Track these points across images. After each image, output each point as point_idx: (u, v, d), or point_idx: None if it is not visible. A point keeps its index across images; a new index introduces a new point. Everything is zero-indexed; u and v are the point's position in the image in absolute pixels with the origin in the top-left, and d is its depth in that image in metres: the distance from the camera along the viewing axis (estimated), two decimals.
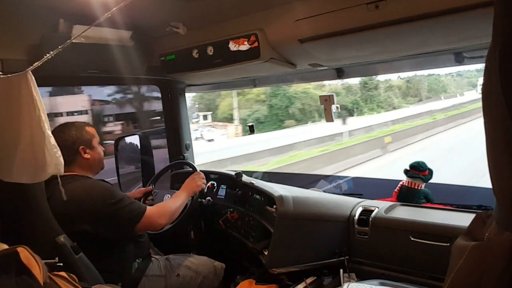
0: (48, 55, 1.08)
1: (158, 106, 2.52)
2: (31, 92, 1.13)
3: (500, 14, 0.40)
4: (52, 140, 1.17)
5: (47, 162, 1.17)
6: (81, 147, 1.53)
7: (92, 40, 1.60)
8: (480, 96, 0.44)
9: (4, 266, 0.64)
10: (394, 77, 22.56)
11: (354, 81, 20.58)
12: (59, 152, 1.19)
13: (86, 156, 1.54)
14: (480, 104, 0.44)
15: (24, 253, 0.68)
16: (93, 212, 1.41)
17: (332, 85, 17.86)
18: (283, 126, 17.96)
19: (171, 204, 1.64)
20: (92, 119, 8.72)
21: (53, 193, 1.41)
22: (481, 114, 0.45)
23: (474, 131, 10.39)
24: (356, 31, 1.29)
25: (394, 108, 21.70)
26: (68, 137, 1.52)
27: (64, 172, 1.49)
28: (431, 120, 15.70)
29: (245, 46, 1.55)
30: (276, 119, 18.26)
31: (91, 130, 1.60)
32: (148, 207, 1.53)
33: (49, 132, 1.16)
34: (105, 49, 1.66)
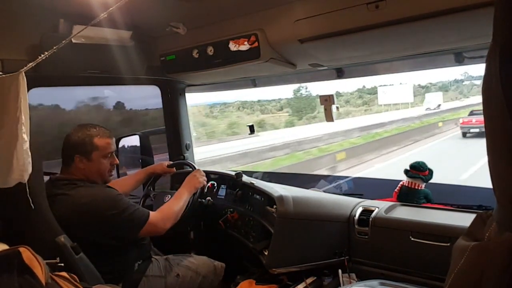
0: (42, 55, 1.07)
1: None
2: (18, 93, 1.11)
3: (500, 14, 0.40)
4: (26, 145, 1.12)
5: (13, 167, 1.12)
6: (76, 155, 1.47)
7: (92, 40, 1.60)
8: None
9: (6, 266, 0.64)
10: None
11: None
12: (30, 159, 1.13)
13: (80, 165, 1.47)
14: None
15: (26, 253, 0.68)
16: (96, 221, 1.40)
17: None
18: None
19: (174, 205, 1.62)
20: None
21: (57, 196, 1.40)
22: None
23: None
24: (356, 31, 1.29)
25: None
26: (72, 138, 1.48)
27: (63, 174, 1.49)
28: None
29: (245, 46, 1.55)
30: None
31: (99, 141, 1.49)
32: (151, 213, 1.51)
33: (25, 137, 1.12)
34: (105, 49, 1.66)
